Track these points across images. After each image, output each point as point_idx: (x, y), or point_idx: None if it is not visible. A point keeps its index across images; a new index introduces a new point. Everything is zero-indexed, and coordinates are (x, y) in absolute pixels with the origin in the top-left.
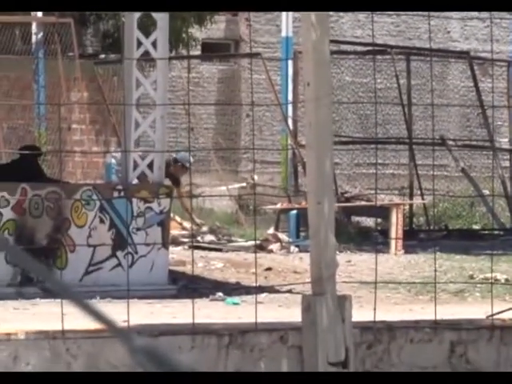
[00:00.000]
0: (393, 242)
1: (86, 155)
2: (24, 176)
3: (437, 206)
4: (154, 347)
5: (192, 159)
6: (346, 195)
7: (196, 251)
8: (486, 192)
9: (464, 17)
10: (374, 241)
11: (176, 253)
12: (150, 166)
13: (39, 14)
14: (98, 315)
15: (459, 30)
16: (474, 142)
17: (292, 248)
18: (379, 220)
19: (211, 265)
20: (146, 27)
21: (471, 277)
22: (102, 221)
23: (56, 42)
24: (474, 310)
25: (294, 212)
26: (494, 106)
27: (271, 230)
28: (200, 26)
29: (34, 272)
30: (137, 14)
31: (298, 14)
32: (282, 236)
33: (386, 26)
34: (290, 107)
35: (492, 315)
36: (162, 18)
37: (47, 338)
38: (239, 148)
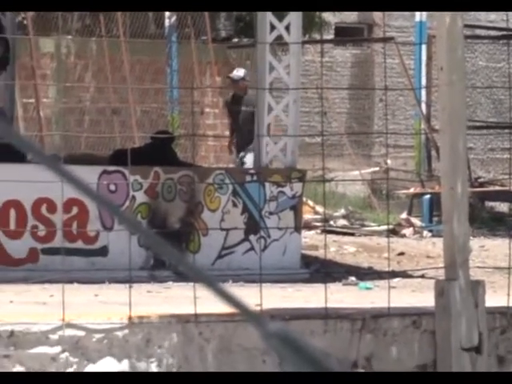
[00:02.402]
0: None
1: (219, 139)
2: (157, 159)
3: None
4: (287, 331)
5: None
6: (479, 180)
7: (329, 235)
8: None
9: None
10: (508, 226)
11: (309, 237)
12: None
13: None
14: (230, 299)
15: None
16: None
17: (425, 233)
18: None
19: (344, 249)
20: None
21: None
22: (234, 205)
23: (189, 26)
24: None
25: (428, 197)
26: None
27: (404, 215)
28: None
29: (166, 255)
30: None
31: None
32: (415, 221)
33: None
34: (423, 92)
35: None
36: None
37: (180, 321)
38: (372, 132)
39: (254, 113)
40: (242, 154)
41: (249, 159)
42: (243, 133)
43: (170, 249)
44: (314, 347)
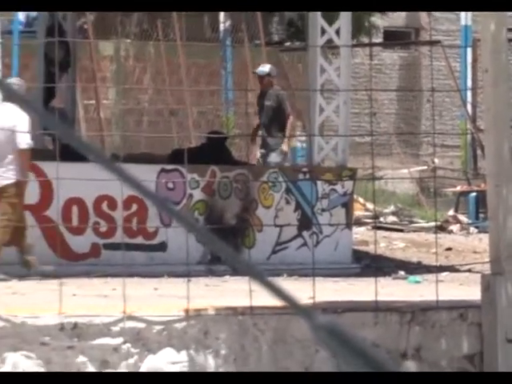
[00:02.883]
0: None
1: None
2: (213, 158)
3: None
4: (334, 324)
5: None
6: None
7: (379, 231)
8: None
9: None
10: None
11: (359, 233)
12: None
13: None
14: (280, 293)
15: None
16: None
17: (471, 229)
18: None
19: (393, 244)
20: (330, 16)
21: None
22: (287, 202)
23: (243, 30)
24: None
25: (474, 194)
26: None
27: (451, 212)
28: (382, 15)
29: (220, 252)
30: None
31: None
32: (462, 217)
33: None
34: (469, 93)
35: None
36: None
37: (236, 313)
38: (420, 133)
39: (276, 108)
40: (262, 151)
41: (273, 158)
42: (266, 127)
43: (223, 245)
44: (361, 339)
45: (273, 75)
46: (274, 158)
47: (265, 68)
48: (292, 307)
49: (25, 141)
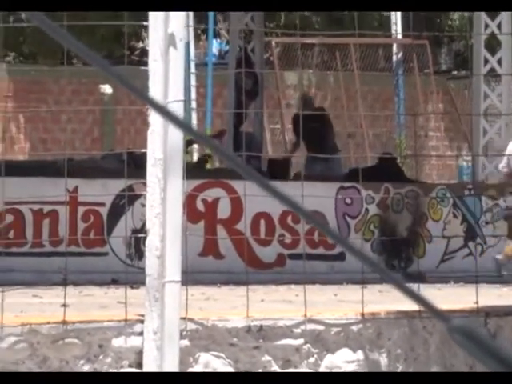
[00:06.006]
0: None
1: (441, 159)
2: (387, 176)
3: None
4: (471, 327)
5: None
6: None
7: None
8: None
9: None
10: None
11: None
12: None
13: (399, 36)
14: (417, 297)
15: None
16: None
17: None
18: None
19: None
20: (492, 47)
21: None
22: (455, 216)
23: (413, 61)
24: None
25: None
26: None
27: None
28: None
29: (371, 266)
30: (484, 36)
31: None
32: None
33: None
34: None
35: None
36: (506, 39)
37: (406, 317)
38: None
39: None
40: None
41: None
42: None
43: (372, 261)
44: (499, 343)
45: None
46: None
47: None
48: (429, 310)
49: None
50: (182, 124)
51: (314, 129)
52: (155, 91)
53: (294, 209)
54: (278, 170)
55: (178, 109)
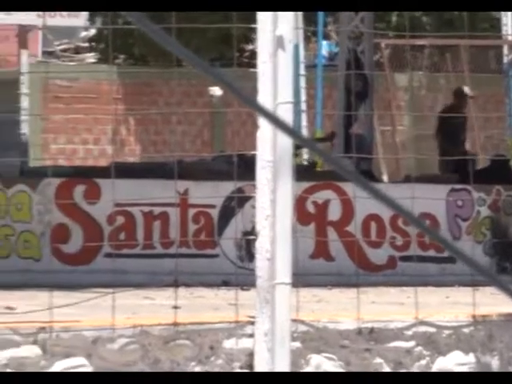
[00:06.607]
0: None
1: None
2: (498, 178)
3: None
4: None
5: None
6: None
7: None
8: None
9: None
10: None
11: None
12: None
13: (510, 37)
14: None
15: None
16: None
17: None
18: None
19: None
20: None
21: None
22: None
23: None
24: None
25: None
26: None
27: None
28: None
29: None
30: None
31: None
32: None
33: None
34: None
35: None
36: None
37: None
38: None
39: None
40: None
41: None
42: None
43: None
44: None
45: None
46: None
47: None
48: None
49: None
50: (287, 128)
51: (457, 124)
52: (264, 93)
53: (398, 211)
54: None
55: (287, 110)
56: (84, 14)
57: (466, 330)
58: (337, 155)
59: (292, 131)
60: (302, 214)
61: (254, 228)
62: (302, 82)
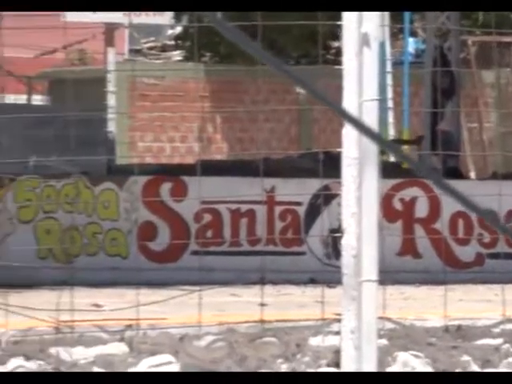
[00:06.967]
0: None
1: None
2: None
3: None
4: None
5: None
6: None
7: None
8: None
9: None
10: None
11: None
12: None
13: None
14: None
15: None
16: None
17: None
18: None
19: None
20: None
21: None
22: None
23: None
24: None
25: None
26: None
27: None
28: None
29: None
30: None
31: None
32: None
33: None
34: None
35: None
36: None
37: None
38: None
39: None
40: None
41: None
42: None
43: None
44: None
45: None
46: None
47: None
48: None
49: None
50: (368, 130)
51: None
52: (349, 90)
53: (474, 210)
54: None
55: (372, 108)
56: (169, 13)
57: None
58: (424, 152)
59: (368, 130)
60: (388, 211)
61: (340, 225)
62: (389, 80)
